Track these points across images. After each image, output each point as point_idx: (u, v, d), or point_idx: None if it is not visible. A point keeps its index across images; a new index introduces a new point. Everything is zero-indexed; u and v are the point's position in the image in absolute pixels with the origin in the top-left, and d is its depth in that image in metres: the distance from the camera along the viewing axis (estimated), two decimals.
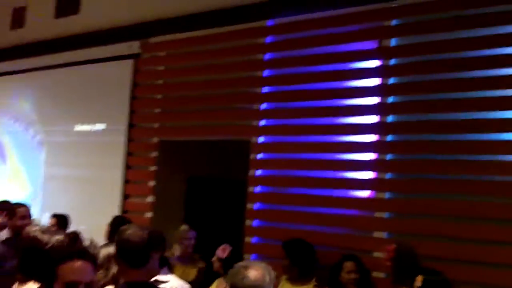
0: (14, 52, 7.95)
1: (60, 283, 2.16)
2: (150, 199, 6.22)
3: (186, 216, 6.41)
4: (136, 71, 6.60)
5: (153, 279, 3.34)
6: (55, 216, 6.15)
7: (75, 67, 7.22)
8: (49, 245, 3.07)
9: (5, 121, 8.08)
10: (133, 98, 6.57)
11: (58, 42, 7.30)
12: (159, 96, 6.38)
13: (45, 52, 7.48)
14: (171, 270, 3.89)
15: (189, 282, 3.99)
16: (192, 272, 5.08)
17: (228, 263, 4.88)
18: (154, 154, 6.28)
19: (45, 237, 3.15)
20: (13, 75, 8.09)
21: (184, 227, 5.24)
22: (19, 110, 7.91)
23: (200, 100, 5.96)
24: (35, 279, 2.84)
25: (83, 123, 7.03)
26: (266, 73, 5.48)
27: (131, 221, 4.98)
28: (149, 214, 6.18)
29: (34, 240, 3.17)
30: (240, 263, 2.61)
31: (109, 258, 3.27)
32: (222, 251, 5.18)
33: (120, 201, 6.44)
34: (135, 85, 6.58)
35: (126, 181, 6.47)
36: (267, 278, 2.51)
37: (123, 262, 2.82)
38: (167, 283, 3.57)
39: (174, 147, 6.26)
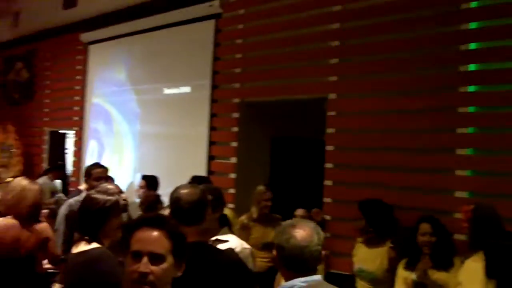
0: (105, 19, 8.21)
1: (129, 253, 1.92)
2: (233, 160, 6.22)
3: (270, 177, 6.35)
4: (217, 31, 6.55)
5: (213, 238, 3.31)
6: (145, 177, 6.35)
7: (160, 31, 7.32)
8: (101, 205, 3.13)
9: (106, 89, 8.42)
10: (216, 59, 6.54)
11: (142, 7, 7.42)
12: (239, 56, 6.29)
13: (131, 18, 7.65)
14: (231, 230, 3.82)
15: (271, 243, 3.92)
16: (272, 233, 5.01)
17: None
18: (236, 115, 6.24)
19: (99, 197, 3.20)
20: (106, 42, 8.38)
21: (260, 187, 5.16)
22: (116, 76, 8.21)
23: (278, 58, 5.79)
24: (91, 240, 2.91)
25: (170, 86, 7.15)
26: (340, 26, 5.20)
27: (209, 181, 5.03)
28: (233, 175, 6.19)
29: (91, 200, 3.25)
30: (288, 222, 2.43)
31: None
32: (316, 214, 5.07)
33: (205, 162, 6.50)
34: (217, 46, 6.54)
35: (211, 143, 6.51)
36: (315, 239, 2.30)
37: (177, 221, 2.77)
38: (226, 243, 3.53)
39: (255, 107, 6.17)
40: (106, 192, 3.45)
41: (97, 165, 5.11)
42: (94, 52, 8.75)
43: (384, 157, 4.70)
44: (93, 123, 8.64)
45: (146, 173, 6.60)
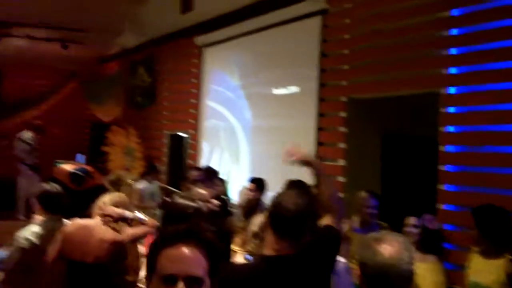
0: (218, 22, 8.22)
1: (157, 276, 1.56)
2: (341, 162, 5.89)
3: (381, 180, 5.93)
4: (324, 27, 6.26)
5: None
6: (253, 180, 6.24)
7: (268, 30, 7.19)
8: (181, 211, 3.03)
9: (219, 91, 8.46)
10: (323, 55, 6.25)
11: (252, 8, 7.30)
12: (346, 52, 5.94)
13: (241, 20, 7.58)
14: None
15: None
16: None
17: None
18: (343, 114, 5.90)
19: (181, 203, 3.10)
20: (219, 44, 8.41)
21: (363, 193, 4.76)
22: (229, 78, 8.21)
23: (387, 51, 5.37)
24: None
25: (278, 86, 6.98)
26: (455, 12, 4.66)
27: (307, 186, 4.78)
28: (341, 179, 5.86)
29: (172, 206, 3.17)
30: (372, 235, 2.06)
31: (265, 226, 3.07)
32: (429, 222, 4.59)
33: None
34: (323, 42, 6.25)
35: (319, 144, 6.23)
36: (405, 256, 1.93)
37: (273, 231, 2.53)
38: None
39: (364, 104, 5.79)
40: (190, 198, 3.36)
41: (194, 168, 5.07)
42: (208, 54, 8.83)
43: (509, 158, 4.13)
44: (208, 125, 8.72)
45: (257, 174, 6.49)
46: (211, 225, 3.09)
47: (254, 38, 7.56)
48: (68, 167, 11.76)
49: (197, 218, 3.03)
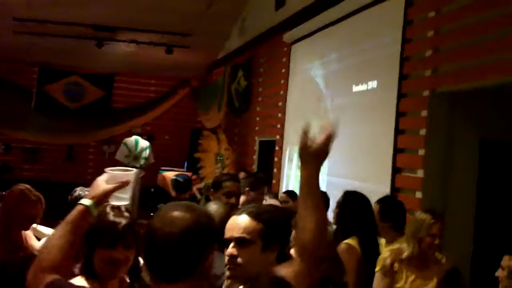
0: (305, 14, 7.27)
1: None
2: (420, 173, 4.61)
3: (477, 198, 4.54)
4: (408, 6, 5.04)
5: None
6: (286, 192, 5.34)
7: (348, 19, 6.15)
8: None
9: (304, 90, 7.48)
10: (406, 41, 5.03)
11: None
12: (430, 34, 4.67)
13: (328, 6, 6.55)
14: None
15: None
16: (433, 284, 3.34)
17: None
18: (425, 112, 4.62)
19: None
20: (306, 39, 7.45)
21: (425, 216, 3.48)
22: (313, 76, 7.20)
23: (484, 27, 4.06)
24: None
25: (358, 82, 5.83)
26: None
27: (401, 204, 4.00)
28: (419, 195, 4.58)
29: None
30: None
31: None
32: None
33: (390, 175, 5.01)
34: (407, 24, 5.03)
35: (398, 150, 5.00)
36: None
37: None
38: None
39: (454, 99, 4.48)
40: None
41: (229, 177, 4.19)
42: (295, 52, 7.89)
43: None
44: (291, 130, 7.76)
45: (333, 182, 5.51)
46: None
47: (337, 28, 6.50)
48: (171, 174, 11.56)
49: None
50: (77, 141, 13.37)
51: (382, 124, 5.24)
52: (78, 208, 1.98)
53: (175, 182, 10.65)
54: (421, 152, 4.61)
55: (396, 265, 3.37)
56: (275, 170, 8.20)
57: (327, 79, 6.74)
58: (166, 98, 13.61)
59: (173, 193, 10.70)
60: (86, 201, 2.01)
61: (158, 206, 11.20)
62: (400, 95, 5.01)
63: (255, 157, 9.16)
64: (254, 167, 9.10)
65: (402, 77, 5.00)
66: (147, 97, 13.85)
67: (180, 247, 1.54)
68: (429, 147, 4.53)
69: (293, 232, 4.45)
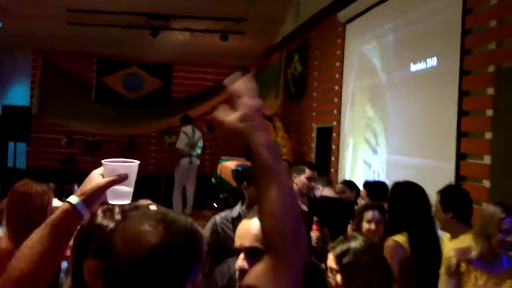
0: None
1: None
2: (488, 159, 4.09)
3: None
4: None
5: None
6: (367, 185, 4.82)
7: None
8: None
9: (361, 73, 7.00)
10: (467, 12, 4.49)
11: None
12: (494, 2, 4.12)
13: None
14: None
15: None
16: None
17: None
18: (492, 90, 4.09)
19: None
20: (361, 17, 6.94)
21: (495, 209, 2.99)
22: (369, 57, 6.71)
23: None
24: None
25: (416, 60, 5.32)
26: None
27: (465, 192, 3.46)
28: (486, 183, 4.07)
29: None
30: None
31: None
32: None
33: (454, 162, 4.51)
34: None
35: (461, 134, 4.49)
36: None
37: None
38: None
39: None
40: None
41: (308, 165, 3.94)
42: (350, 31, 7.39)
43: None
44: (349, 115, 7.30)
45: (392, 171, 5.06)
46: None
47: (392, 3, 5.99)
48: (231, 164, 11.34)
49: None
50: (137, 131, 13.37)
51: (443, 105, 4.74)
52: (63, 206, 1.59)
53: (235, 172, 10.43)
54: (488, 135, 4.09)
55: (463, 265, 2.93)
56: (333, 159, 7.77)
57: (383, 57, 6.26)
58: (224, 87, 13.34)
59: (233, 184, 10.49)
60: (73, 199, 1.66)
61: (221, 196, 11.06)
62: (463, 72, 4.48)
63: (313, 144, 8.73)
64: (312, 156, 8.69)
65: (464, 53, 4.47)
66: (205, 86, 13.66)
67: (144, 273, 1.19)
68: (496, 130, 4.01)
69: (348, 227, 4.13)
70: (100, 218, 1.82)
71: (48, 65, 13.25)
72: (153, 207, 1.66)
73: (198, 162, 11.02)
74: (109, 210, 1.87)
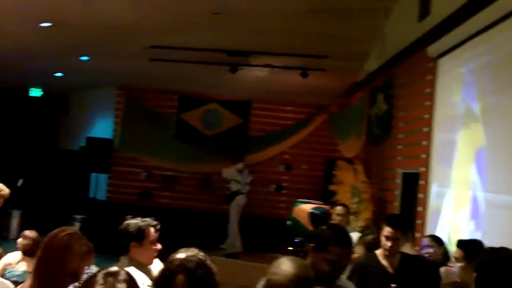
0: (456, 19, 6.12)
1: None
2: None
3: None
4: None
5: None
6: (462, 244, 4.11)
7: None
8: None
9: (454, 115, 6.29)
10: None
11: None
12: None
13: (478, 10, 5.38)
14: None
15: None
16: None
17: None
18: None
19: None
20: (455, 51, 6.26)
21: None
22: (463, 97, 6.01)
23: None
24: None
25: None
26: None
27: None
28: None
29: None
30: None
31: None
32: None
33: None
34: None
35: None
36: None
37: None
38: None
39: None
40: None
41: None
42: (443, 67, 6.70)
43: None
44: (439, 161, 6.56)
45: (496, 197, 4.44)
46: None
47: (494, 34, 5.30)
48: (307, 207, 10.79)
49: None
50: (213, 169, 13.15)
51: None
52: None
53: (312, 215, 9.93)
54: None
55: None
56: (420, 209, 7.00)
57: (483, 98, 5.54)
58: (303, 126, 12.94)
59: (309, 227, 9.96)
60: None
61: (296, 240, 10.53)
62: None
63: (398, 192, 7.99)
64: (396, 204, 7.94)
65: None
66: (284, 125, 13.30)
67: None
68: None
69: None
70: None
71: (131, 100, 13.46)
72: None
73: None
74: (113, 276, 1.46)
